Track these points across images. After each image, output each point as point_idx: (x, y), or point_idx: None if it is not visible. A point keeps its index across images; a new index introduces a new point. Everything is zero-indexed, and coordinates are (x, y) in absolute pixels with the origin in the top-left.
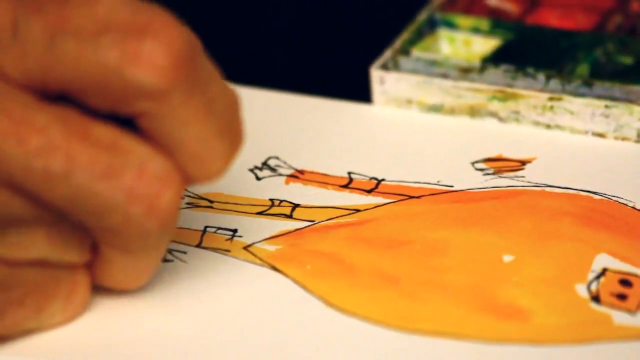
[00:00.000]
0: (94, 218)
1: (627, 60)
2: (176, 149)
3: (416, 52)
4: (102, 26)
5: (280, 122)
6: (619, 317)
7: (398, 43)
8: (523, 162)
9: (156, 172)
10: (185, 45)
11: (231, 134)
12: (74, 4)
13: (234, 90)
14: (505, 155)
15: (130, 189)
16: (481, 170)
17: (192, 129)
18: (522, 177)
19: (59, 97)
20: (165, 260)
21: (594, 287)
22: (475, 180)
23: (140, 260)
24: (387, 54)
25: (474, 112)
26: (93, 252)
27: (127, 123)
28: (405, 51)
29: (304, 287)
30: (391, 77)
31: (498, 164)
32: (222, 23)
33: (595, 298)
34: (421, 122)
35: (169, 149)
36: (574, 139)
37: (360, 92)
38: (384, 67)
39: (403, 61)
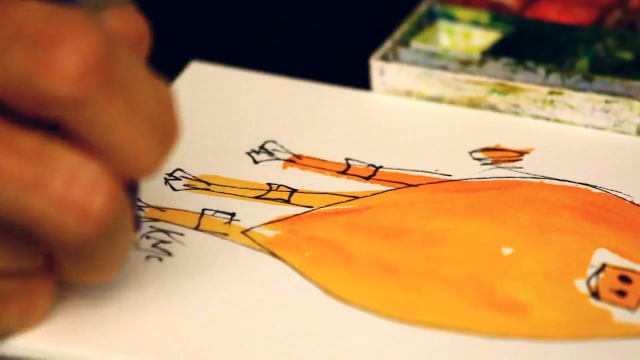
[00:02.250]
0: (28, 228)
1: (627, 55)
2: (105, 151)
3: (416, 43)
4: (14, 35)
5: (278, 106)
6: (619, 314)
7: (397, 34)
8: (521, 153)
9: (85, 178)
10: (100, 50)
11: (162, 130)
12: None
13: (164, 86)
14: (504, 145)
15: (59, 198)
16: (479, 159)
17: (118, 131)
18: (520, 167)
19: None
20: (163, 242)
21: (593, 282)
22: (473, 170)
23: (93, 264)
24: (387, 44)
25: (473, 104)
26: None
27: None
28: (404, 42)
29: (302, 274)
30: (391, 68)
31: (496, 154)
32: (224, 11)
33: (595, 294)
34: (420, 109)
35: (98, 152)
36: (573, 130)
37: (360, 83)
38: (384, 58)
39: (403, 52)
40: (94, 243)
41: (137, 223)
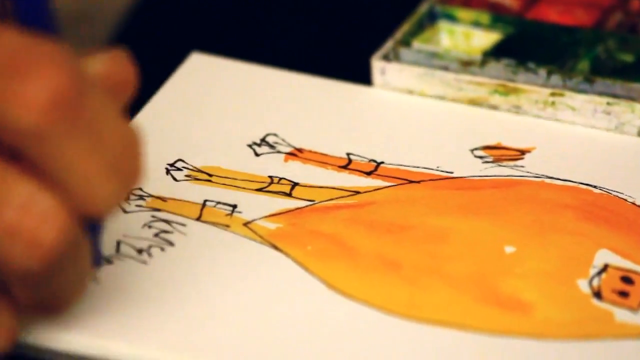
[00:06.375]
0: None
1: (628, 57)
2: (62, 186)
3: (417, 43)
4: None
5: (279, 99)
6: (621, 315)
7: (399, 34)
8: (522, 152)
9: (39, 208)
10: (69, 87)
11: (123, 172)
12: None
13: (131, 127)
14: (505, 144)
15: (10, 226)
16: (480, 157)
17: (77, 168)
18: (522, 166)
19: None
20: (164, 232)
21: (595, 283)
22: (475, 168)
23: (46, 294)
24: (389, 44)
25: (475, 105)
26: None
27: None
28: (406, 42)
29: (305, 267)
30: (392, 68)
31: (497, 152)
32: (227, 2)
33: (597, 294)
34: (422, 106)
35: (56, 185)
36: (574, 130)
37: (362, 82)
38: (385, 57)
39: (404, 52)
40: (44, 274)
41: (97, 259)
